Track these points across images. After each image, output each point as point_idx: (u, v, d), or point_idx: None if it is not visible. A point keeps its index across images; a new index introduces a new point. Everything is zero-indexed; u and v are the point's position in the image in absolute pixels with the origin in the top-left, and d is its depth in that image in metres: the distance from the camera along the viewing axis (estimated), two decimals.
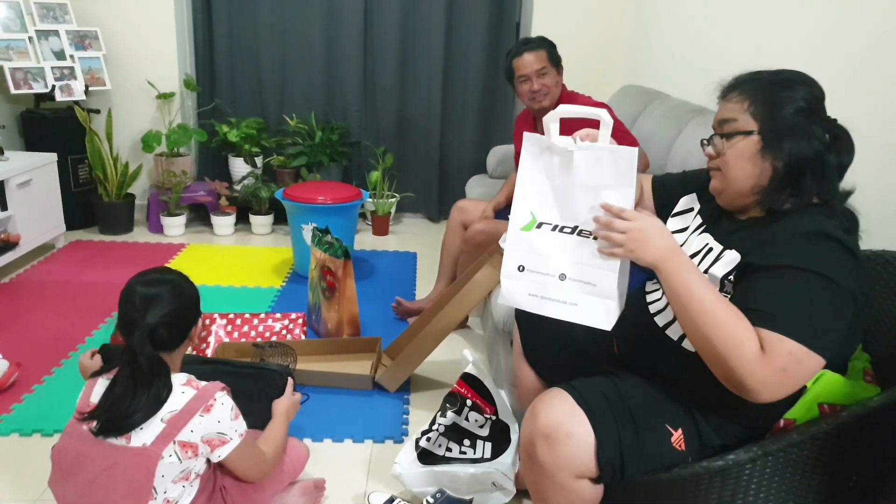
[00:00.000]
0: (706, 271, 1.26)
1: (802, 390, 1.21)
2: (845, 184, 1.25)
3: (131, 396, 1.30)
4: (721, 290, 1.23)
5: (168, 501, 1.35)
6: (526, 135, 1.31)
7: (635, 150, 1.22)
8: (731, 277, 1.22)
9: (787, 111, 1.20)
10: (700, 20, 2.84)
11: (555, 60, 2.53)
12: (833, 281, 1.11)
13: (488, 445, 1.83)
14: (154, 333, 1.32)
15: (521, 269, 1.32)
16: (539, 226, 1.31)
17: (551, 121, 1.30)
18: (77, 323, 2.67)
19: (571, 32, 3.92)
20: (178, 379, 1.36)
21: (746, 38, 2.42)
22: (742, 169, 1.23)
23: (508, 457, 1.81)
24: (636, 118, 2.87)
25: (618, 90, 3.42)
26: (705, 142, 1.31)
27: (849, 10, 1.82)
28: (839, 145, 1.21)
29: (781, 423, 1.26)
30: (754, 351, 1.09)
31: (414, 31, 3.97)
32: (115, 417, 1.30)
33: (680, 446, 1.24)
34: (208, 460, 1.41)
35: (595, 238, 1.26)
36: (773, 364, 1.09)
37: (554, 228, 1.29)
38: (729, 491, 1.21)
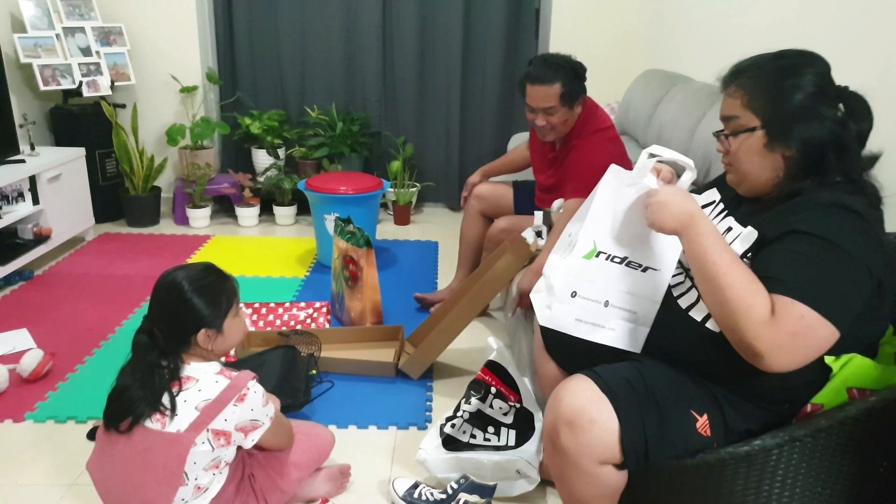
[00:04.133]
0: None
1: (828, 373, 1.19)
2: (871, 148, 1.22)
3: (131, 386, 1.36)
4: None
5: (199, 488, 1.38)
6: (613, 167, 1.32)
7: (703, 198, 1.33)
8: (750, 254, 1.21)
9: (791, 100, 1.18)
10: (721, 1, 2.79)
11: (568, 98, 2.16)
12: (845, 251, 1.10)
13: (512, 433, 1.84)
14: (151, 338, 1.38)
15: (573, 294, 1.32)
16: (597, 254, 1.33)
17: (647, 165, 1.32)
18: (107, 314, 2.72)
19: (592, 17, 3.89)
20: (212, 368, 1.40)
21: (768, 17, 2.38)
22: (753, 164, 1.23)
23: (533, 445, 1.81)
24: (658, 103, 2.83)
25: (640, 74, 3.38)
26: (717, 135, 1.30)
27: None
28: (855, 114, 1.19)
29: (809, 407, 1.25)
30: (764, 314, 1.09)
31: (433, 20, 3.96)
32: (117, 408, 1.36)
33: (705, 432, 1.23)
34: (238, 448, 1.44)
35: (644, 270, 1.32)
36: (783, 328, 1.08)
37: (608, 258, 1.33)
38: (755, 477, 1.20)
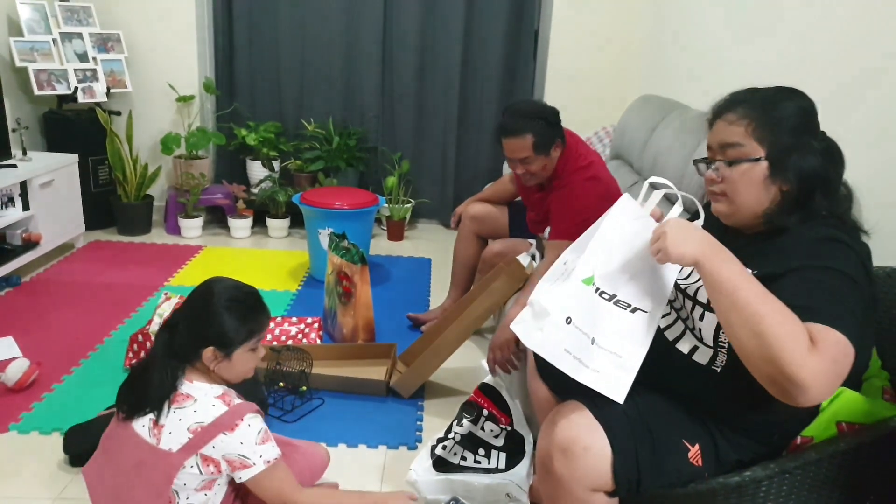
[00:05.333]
0: None
1: (816, 407, 1.21)
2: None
3: (134, 378, 1.37)
4: None
5: None
6: (625, 196, 1.31)
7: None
8: None
9: (790, 132, 1.19)
10: (718, 31, 2.84)
11: (542, 146, 2.14)
12: (851, 277, 1.11)
13: (503, 456, 1.83)
14: (171, 335, 1.37)
15: (568, 321, 1.24)
16: (591, 283, 1.28)
17: (653, 196, 1.30)
18: (96, 323, 2.70)
19: (591, 39, 3.94)
20: (213, 391, 1.36)
21: (765, 49, 2.42)
22: (752, 196, 1.22)
23: (523, 468, 1.81)
24: (654, 129, 2.86)
25: (636, 99, 3.41)
26: (702, 164, 1.28)
27: (869, 21, 1.82)
28: (833, 157, 1.21)
29: (798, 440, 1.26)
30: (808, 343, 1.03)
31: (432, 37, 3.99)
32: (131, 396, 1.36)
33: (697, 462, 1.24)
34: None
35: (633, 311, 1.25)
36: (826, 355, 1.03)
37: (597, 291, 1.26)
38: None
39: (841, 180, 1.23)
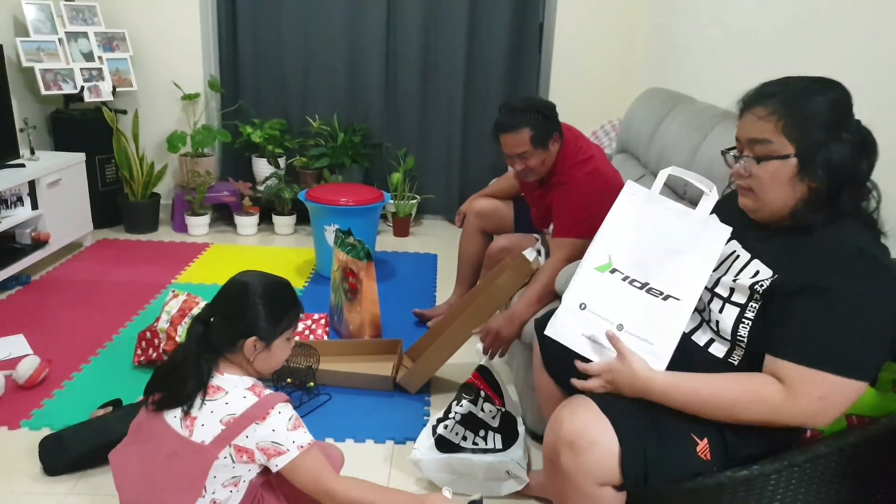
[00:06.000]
0: (734, 280, 1.26)
1: None
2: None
3: (168, 372, 1.38)
4: (750, 298, 1.22)
5: (214, 502, 1.38)
6: (629, 183, 1.35)
7: (728, 229, 1.28)
8: (760, 288, 1.21)
9: (819, 124, 1.16)
10: (725, 21, 2.82)
11: (540, 140, 2.13)
12: (873, 304, 1.11)
13: (498, 437, 1.89)
14: (206, 328, 1.38)
15: (582, 307, 1.28)
16: (612, 271, 1.29)
17: (660, 178, 1.35)
18: (105, 320, 2.71)
19: (596, 32, 3.93)
20: (244, 382, 1.38)
21: (773, 39, 2.40)
22: (780, 193, 1.20)
23: (519, 448, 1.87)
24: (660, 122, 2.85)
25: (642, 92, 3.40)
26: (730, 156, 1.27)
27: (884, 10, 1.80)
28: (867, 148, 1.19)
29: (808, 433, 1.26)
30: (780, 395, 1.13)
31: (436, 32, 3.98)
32: (165, 382, 1.38)
33: (705, 456, 1.23)
34: (265, 470, 1.41)
35: (665, 298, 1.26)
36: (805, 396, 1.12)
37: (625, 279, 1.29)
38: (753, 501, 1.21)
39: (871, 171, 1.20)
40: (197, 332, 1.38)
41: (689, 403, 1.20)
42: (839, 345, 1.11)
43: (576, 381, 1.31)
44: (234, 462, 1.34)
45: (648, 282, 1.28)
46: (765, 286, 1.20)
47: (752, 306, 1.22)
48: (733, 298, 1.26)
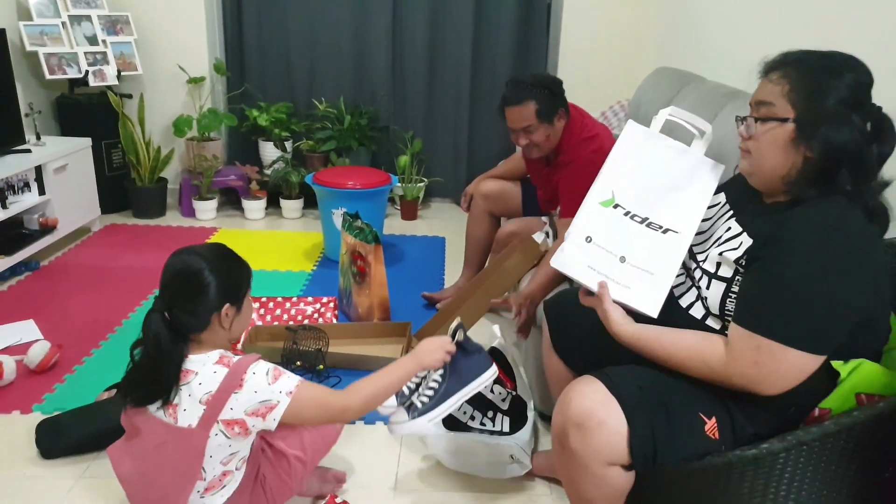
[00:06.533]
0: (720, 254, 1.28)
1: (835, 378, 1.20)
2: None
3: (142, 370, 1.36)
4: (735, 273, 1.24)
5: (215, 483, 1.39)
6: (630, 122, 1.42)
7: (722, 166, 1.37)
8: (742, 261, 1.22)
9: (828, 100, 1.15)
10: (733, 1, 2.78)
11: (546, 114, 2.15)
12: (830, 278, 1.11)
13: (506, 420, 1.89)
14: (166, 314, 1.34)
15: (588, 240, 1.34)
16: (615, 206, 1.36)
17: (660, 117, 1.43)
18: (114, 305, 2.73)
19: (604, 13, 3.88)
20: (210, 358, 1.36)
21: (783, 17, 2.37)
22: (773, 157, 1.20)
23: (526, 433, 1.86)
24: (670, 102, 2.82)
25: (651, 72, 3.36)
26: (739, 120, 1.28)
27: None
28: (881, 135, 1.17)
29: (816, 412, 1.25)
30: (721, 358, 1.19)
31: (443, 13, 3.94)
32: (134, 385, 1.37)
33: (714, 435, 1.24)
34: (259, 438, 1.42)
35: (664, 231, 1.32)
36: (741, 360, 1.16)
37: (626, 214, 1.35)
38: (762, 480, 1.21)
39: (883, 159, 1.18)
40: (159, 328, 1.33)
41: (650, 356, 1.28)
42: (783, 313, 1.13)
43: (584, 297, 1.39)
44: (228, 438, 1.34)
45: (649, 216, 1.35)
46: (746, 258, 1.22)
47: (737, 280, 1.23)
48: (720, 273, 1.27)
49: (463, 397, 1.54)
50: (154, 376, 1.34)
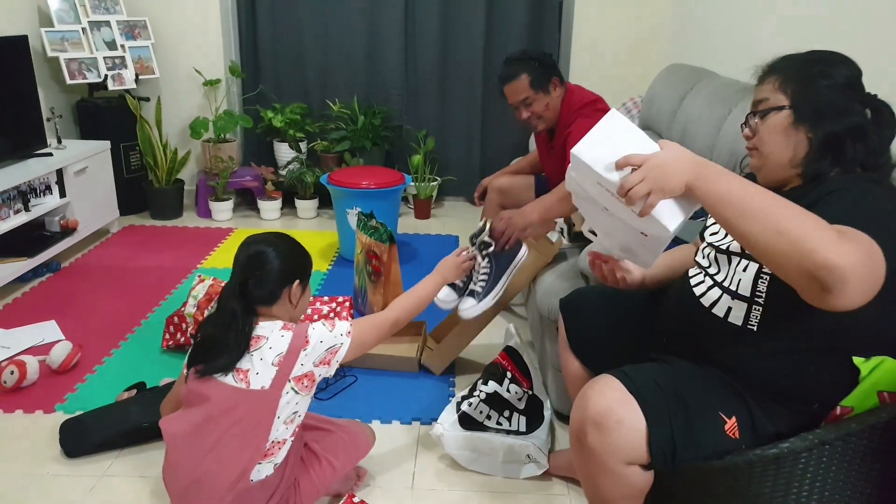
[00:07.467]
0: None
1: (856, 375, 1.18)
2: None
3: (216, 341, 1.45)
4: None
5: (273, 444, 1.46)
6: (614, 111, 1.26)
7: (613, 110, 1.21)
8: None
9: (820, 84, 1.20)
10: None
11: (539, 83, 2.28)
12: (883, 211, 1.10)
13: (523, 419, 1.89)
14: (243, 288, 1.46)
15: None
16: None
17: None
18: (133, 305, 2.76)
19: (615, 10, 3.86)
20: (276, 325, 1.49)
21: (797, 12, 2.34)
22: (776, 143, 1.23)
23: (543, 432, 1.87)
24: (683, 98, 2.80)
25: (664, 69, 3.34)
26: (743, 125, 1.31)
27: None
28: (880, 119, 1.20)
29: (838, 410, 1.24)
30: (833, 230, 0.99)
31: (455, 13, 3.95)
32: (205, 355, 1.46)
33: (734, 434, 1.23)
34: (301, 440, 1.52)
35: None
36: (857, 244, 0.99)
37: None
38: (783, 480, 1.20)
39: (886, 144, 1.21)
40: (234, 298, 1.46)
41: (745, 193, 1.06)
42: (865, 223, 1.04)
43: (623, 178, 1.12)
44: (297, 394, 1.45)
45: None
46: None
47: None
48: (749, 252, 1.23)
49: (510, 276, 2.06)
50: (228, 344, 1.43)
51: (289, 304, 1.54)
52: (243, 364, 1.44)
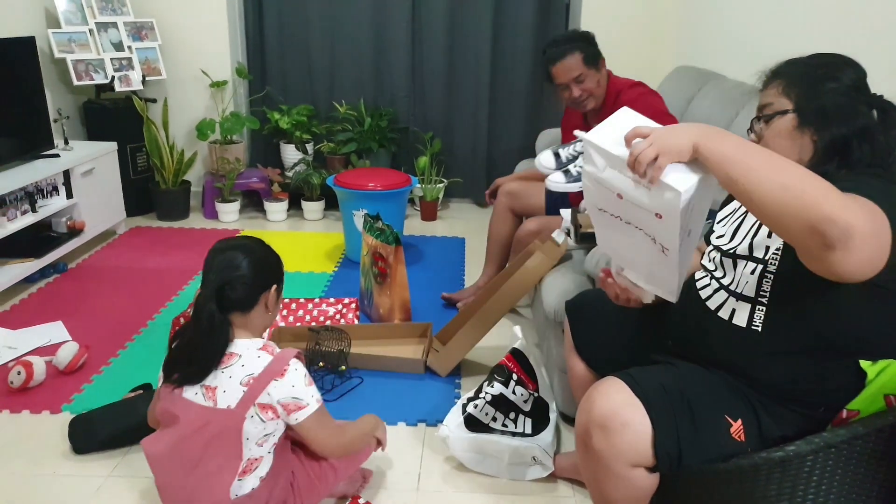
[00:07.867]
0: (751, 242, 1.26)
1: (863, 378, 1.18)
2: None
3: (193, 347, 1.40)
4: (767, 251, 1.22)
5: (251, 464, 1.44)
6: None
7: (625, 107, 1.19)
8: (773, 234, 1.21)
9: (825, 87, 1.19)
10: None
11: (592, 60, 2.33)
12: (891, 195, 1.09)
13: (528, 421, 1.89)
14: (220, 293, 1.40)
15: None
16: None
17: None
18: (140, 306, 2.77)
19: (622, 12, 3.85)
20: (255, 344, 1.44)
21: (805, 15, 2.34)
22: (782, 147, 1.22)
23: (549, 435, 1.87)
24: (690, 100, 2.80)
25: (671, 71, 3.34)
26: (749, 131, 1.31)
27: None
28: (887, 120, 1.20)
29: (844, 413, 1.24)
30: (838, 192, 0.98)
31: (462, 15, 3.95)
32: (184, 364, 1.41)
33: (739, 437, 1.22)
34: (287, 427, 1.47)
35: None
36: (861, 203, 1.00)
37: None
38: (789, 483, 1.20)
39: (893, 147, 1.20)
40: (210, 304, 1.39)
41: (750, 150, 1.06)
42: (868, 193, 1.05)
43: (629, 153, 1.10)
44: (262, 420, 1.40)
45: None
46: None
47: (772, 260, 1.21)
48: (754, 254, 1.25)
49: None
50: (204, 353, 1.40)
51: (264, 310, 1.48)
52: (211, 381, 1.40)
